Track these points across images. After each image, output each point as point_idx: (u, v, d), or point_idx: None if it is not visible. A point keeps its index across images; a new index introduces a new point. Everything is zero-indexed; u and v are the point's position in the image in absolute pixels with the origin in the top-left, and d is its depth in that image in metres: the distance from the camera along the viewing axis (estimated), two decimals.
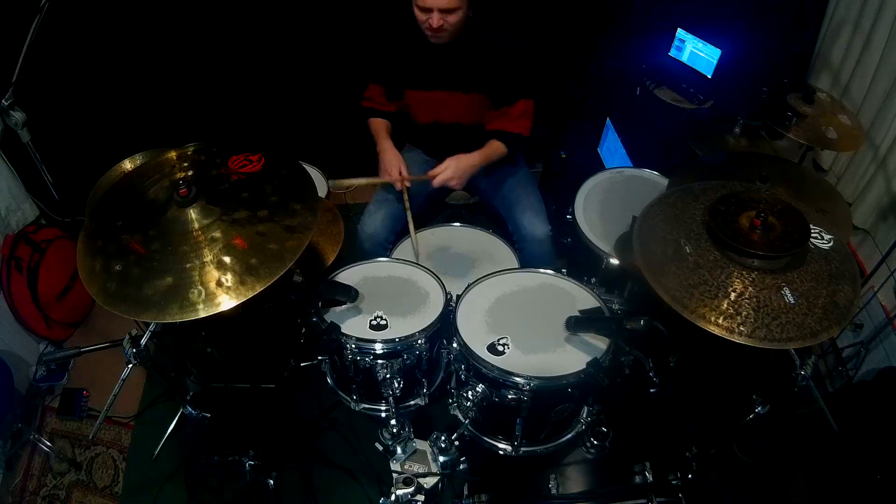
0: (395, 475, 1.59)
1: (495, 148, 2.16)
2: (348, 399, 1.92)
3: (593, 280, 2.03)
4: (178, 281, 1.40)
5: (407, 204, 2.15)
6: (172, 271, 1.41)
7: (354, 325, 1.77)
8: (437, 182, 2.08)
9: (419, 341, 1.74)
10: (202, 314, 1.36)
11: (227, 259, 1.42)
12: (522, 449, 1.77)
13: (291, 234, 1.47)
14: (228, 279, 1.39)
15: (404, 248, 2.22)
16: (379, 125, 2.27)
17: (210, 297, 1.37)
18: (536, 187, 2.31)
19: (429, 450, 1.69)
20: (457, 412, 1.76)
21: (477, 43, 2.03)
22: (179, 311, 1.36)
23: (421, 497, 1.55)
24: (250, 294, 1.38)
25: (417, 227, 2.28)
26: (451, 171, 2.06)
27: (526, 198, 2.24)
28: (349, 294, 1.77)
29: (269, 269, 1.41)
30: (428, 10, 1.89)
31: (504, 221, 2.31)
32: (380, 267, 1.98)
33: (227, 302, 1.37)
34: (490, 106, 2.16)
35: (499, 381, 1.61)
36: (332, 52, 2.83)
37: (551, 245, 2.19)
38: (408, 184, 2.14)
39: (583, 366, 1.59)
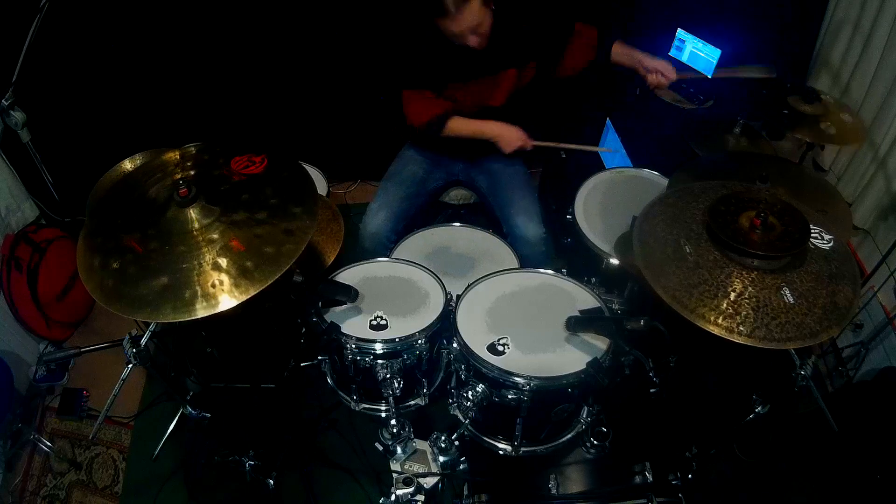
0: (395, 475, 1.59)
1: (619, 42, 2.20)
2: (348, 399, 1.92)
3: (593, 280, 2.03)
4: (173, 281, 1.40)
5: (555, 144, 2.16)
6: (168, 271, 1.41)
7: (354, 325, 1.77)
8: (667, 70, 2.09)
9: (419, 341, 1.74)
10: (195, 315, 1.35)
11: (222, 261, 1.42)
12: (522, 449, 1.77)
13: (289, 237, 1.47)
14: (223, 281, 1.39)
15: (405, 248, 2.22)
16: (459, 120, 2.10)
17: (204, 299, 1.37)
18: (532, 188, 2.31)
19: (429, 450, 1.69)
20: (457, 412, 1.77)
21: (505, 22, 2.02)
22: (173, 312, 1.36)
23: (421, 497, 1.56)
24: (244, 297, 1.37)
25: (419, 227, 2.29)
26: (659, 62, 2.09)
27: (520, 199, 2.24)
28: (349, 294, 1.77)
29: (264, 273, 1.40)
30: (460, 35, 1.90)
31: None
32: (380, 267, 1.98)
33: (220, 304, 1.36)
34: (532, 71, 2.15)
35: (499, 381, 1.61)
36: (335, 51, 2.83)
37: (545, 247, 2.18)
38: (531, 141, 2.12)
39: (583, 366, 1.59)
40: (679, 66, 2.79)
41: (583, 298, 1.82)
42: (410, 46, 2.11)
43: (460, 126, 2.10)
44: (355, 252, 2.22)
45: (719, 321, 1.35)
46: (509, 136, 2.10)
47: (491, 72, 2.11)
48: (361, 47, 2.74)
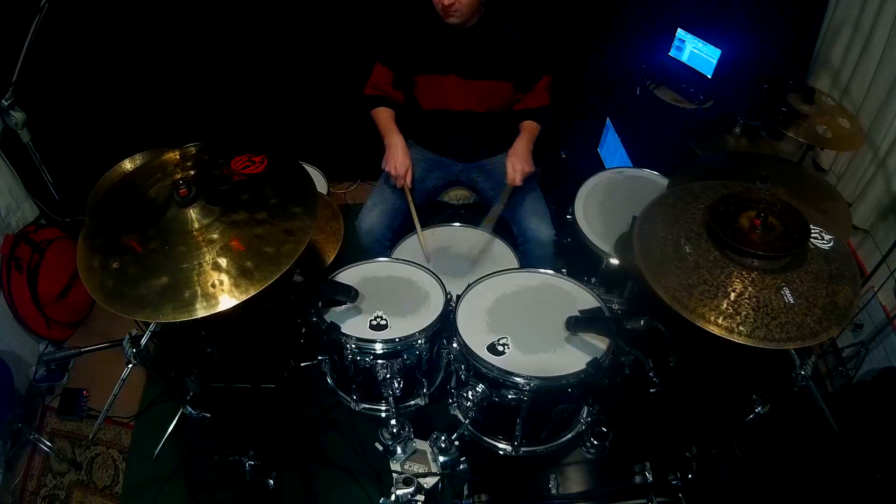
0: (395, 475, 1.59)
1: (532, 127, 2.21)
2: (348, 399, 1.92)
3: (593, 280, 2.03)
4: (173, 281, 1.40)
5: (412, 205, 2.13)
6: (168, 271, 1.41)
7: (354, 325, 1.77)
8: (519, 181, 2.11)
9: (419, 341, 1.74)
10: (195, 315, 1.35)
11: (222, 261, 1.42)
12: (522, 449, 1.77)
13: (289, 237, 1.47)
14: (223, 281, 1.39)
15: (404, 248, 2.22)
16: (385, 115, 2.22)
17: (204, 299, 1.37)
18: (539, 190, 2.31)
19: (429, 450, 1.69)
20: (457, 412, 1.77)
21: (493, 30, 2.06)
22: (173, 312, 1.36)
23: (421, 497, 1.55)
24: (244, 297, 1.37)
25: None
26: (518, 163, 2.10)
27: (531, 201, 2.24)
28: (349, 294, 1.77)
29: (264, 273, 1.40)
30: None
31: (506, 222, 2.30)
32: (380, 267, 1.98)
33: (220, 304, 1.36)
34: (511, 91, 2.20)
35: (499, 381, 1.61)
36: (334, 51, 2.83)
37: (553, 248, 2.19)
38: (409, 184, 2.13)
39: (583, 366, 1.59)
40: (679, 66, 2.80)
41: (583, 298, 1.82)
42: (394, 26, 2.18)
43: (379, 118, 2.23)
44: (355, 252, 2.22)
45: (719, 321, 1.35)
46: (392, 157, 2.14)
47: (455, 71, 2.13)
48: (361, 47, 2.73)
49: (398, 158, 2.13)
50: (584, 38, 2.84)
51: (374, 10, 2.63)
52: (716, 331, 1.34)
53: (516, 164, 2.10)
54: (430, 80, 2.17)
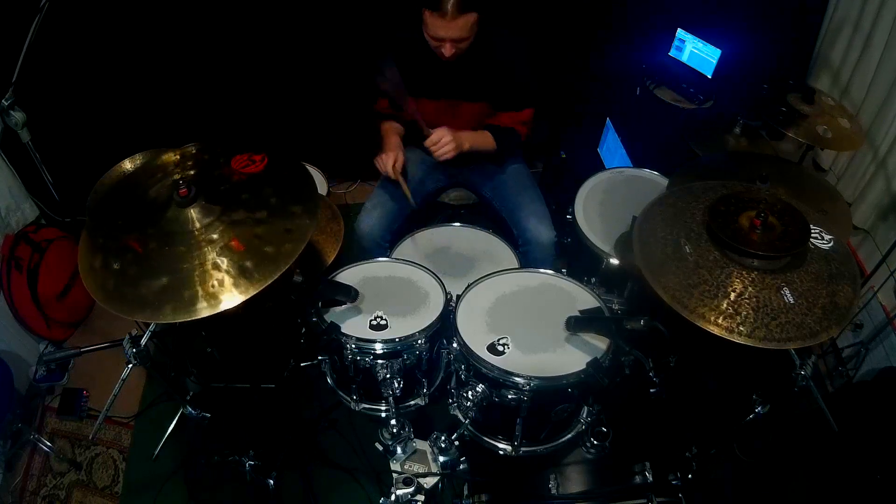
0: (395, 475, 1.59)
1: (486, 136, 2.15)
2: (348, 399, 1.92)
3: (593, 280, 2.03)
4: (172, 281, 1.39)
5: (403, 183, 2.11)
6: (168, 271, 1.41)
7: (354, 325, 1.77)
8: (430, 142, 2.01)
9: (419, 341, 1.74)
10: (195, 316, 1.35)
11: (222, 261, 1.42)
12: (522, 449, 1.77)
13: (289, 236, 1.46)
14: (223, 282, 1.38)
15: (404, 249, 2.22)
16: (389, 125, 2.26)
17: (204, 299, 1.36)
18: (538, 190, 2.31)
19: (429, 450, 1.69)
20: (457, 412, 1.77)
21: (483, 52, 2.03)
22: (173, 312, 1.35)
23: (421, 497, 1.56)
24: (244, 297, 1.37)
25: (418, 227, 2.29)
26: (447, 134, 2.00)
27: (531, 203, 2.24)
28: (349, 294, 1.77)
29: (263, 273, 1.40)
30: (440, 39, 1.90)
31: (506, 223, 2.30)
32: (380, 267, 1.98)
33: (220, 304, 1.36)
34: (492, 111, 2.17)
35: (499, 381, 1.61)
36: (334, 51, 2.83)
37: (554, 250, 2.19)
38: (399, 168, 2.12)
39: (583, 366, 1.59)
40: (679, 66, 2.80)
41: (583, 298, 1.82)
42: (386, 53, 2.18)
43: (381, 128, 2.26)
44: (355, 252, 2.22)
45: (719, 321, 1.35)
46: (385, 157, 2.12)
47: (451, 96, 2.13)
48: (361, 47, 2.74)
49: (387, 149, 2.14)
50: (584, 38, 2.84)
51: (367, 38, 2.63)
52: (716, 331, 1.34)
53: (445, 136, 2.00)
54: (420, 104, 2.16)
